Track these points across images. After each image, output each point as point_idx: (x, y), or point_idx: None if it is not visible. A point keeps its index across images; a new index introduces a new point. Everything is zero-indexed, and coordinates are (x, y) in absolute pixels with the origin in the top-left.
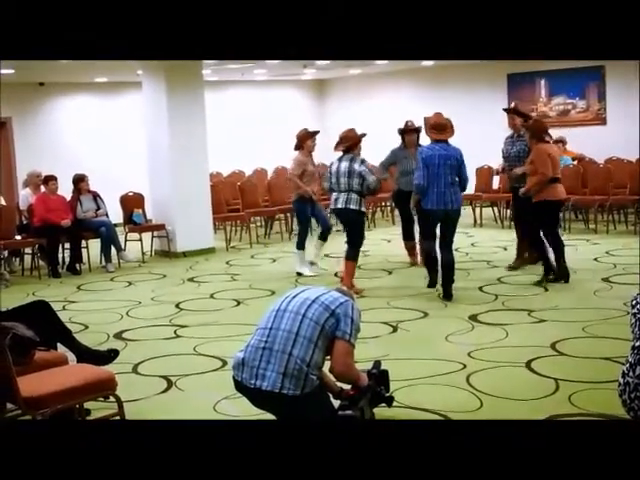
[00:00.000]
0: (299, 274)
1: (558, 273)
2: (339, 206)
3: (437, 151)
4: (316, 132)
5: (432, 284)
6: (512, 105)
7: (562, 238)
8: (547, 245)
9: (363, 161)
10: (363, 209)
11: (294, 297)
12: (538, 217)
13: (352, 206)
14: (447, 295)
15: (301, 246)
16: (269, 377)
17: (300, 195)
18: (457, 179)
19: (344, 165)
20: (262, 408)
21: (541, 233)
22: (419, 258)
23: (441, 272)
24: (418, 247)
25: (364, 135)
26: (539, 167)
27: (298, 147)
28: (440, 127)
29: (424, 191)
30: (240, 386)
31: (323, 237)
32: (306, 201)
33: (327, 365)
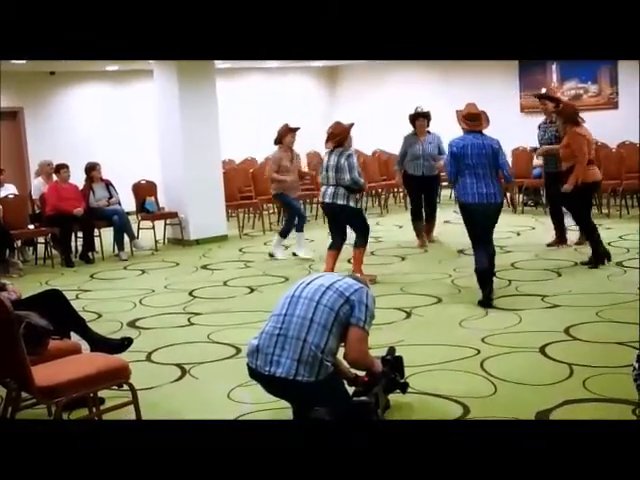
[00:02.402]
0: (271, 255)
1: (596, 256)
2: (327, 200)
3: (469, 141)
4: (297, 128)
5: (486, 302)
6: (542, 91)
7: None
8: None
9: (350, 156)
10: (352, 204)
11: (308, 284)
12: (575, 200)
13: (339, 201)
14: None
15: (285, 234)
16: (284, 364)
17: (281, 189)
18: (494, 170)
19: (333, 159)
20: (276, 395)
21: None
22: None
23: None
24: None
25: (352, 125)
26: (576, 152)
27: (277, 142)
28: (473, 117)
29: (456, 184)
30: (254, 373)
31: (300, 228)
32: (288, 194)
33: (341, 352)
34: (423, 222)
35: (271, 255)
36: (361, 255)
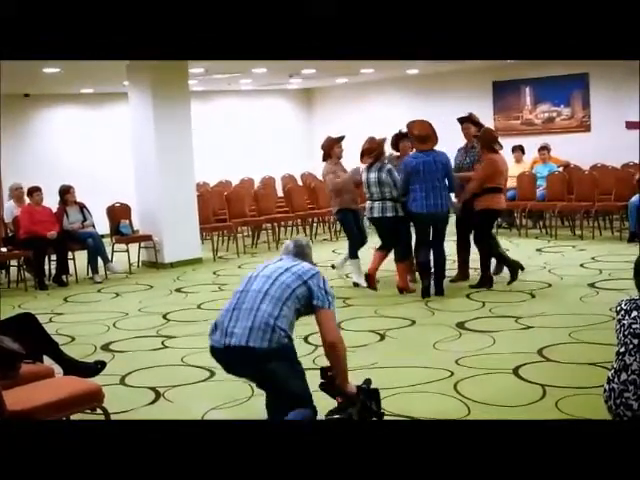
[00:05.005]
0: (356, 285)
1: (483, 279)
2: (375, 215)
3: (421, 158)
4: (341, 137)
5: (426, 293)
6: (467, 114)
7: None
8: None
9: (390, 170)
10: (400, 214)
11: (268, 265)
12: (477, 224)
13: (388, 214)
14: (439, 291)
15: (354, 254)
16: (237, 333)
17: (343, 206)
18: (444, 183)
19: (373, 175)
20: (233, 369)
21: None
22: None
23: (433, 268)
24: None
25: (385, 140)
26: (492, 177)
27: (326, 157)
28: (423, 138)
29: (409, 197)
30: (213, 350)
31: (355, 254)
32: (349, 211)
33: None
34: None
35: (356, 285)
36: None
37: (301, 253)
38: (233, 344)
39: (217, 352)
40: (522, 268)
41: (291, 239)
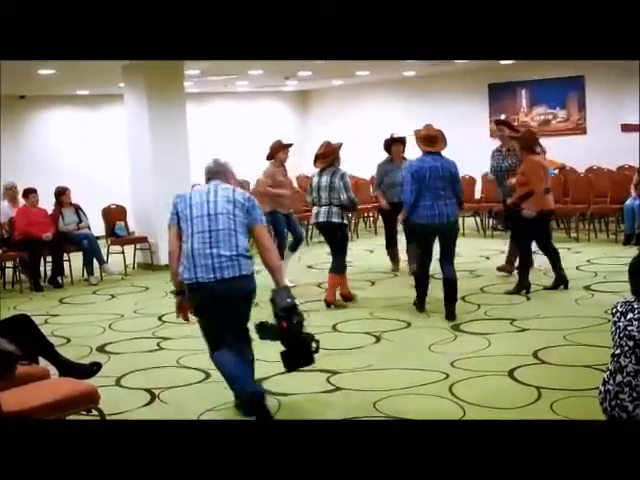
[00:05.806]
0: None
1: (558, 280)
2: (320, 220)
3: (427, 163)
4: (289, 145)
5: (420, 308)
6: (503, 117)
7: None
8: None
9: (344, 175)
10: (345, 221)
11: (215, 201)
12: (533, 229)
13: (334, 219)
14: (450, 315)
15: (282, 256)
16: (226, 267)
17: (273, 207)
18: (451, 192)
19: (325, 179)
20: (219, 298)
21: (534, 244)
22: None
23: (443, 290)
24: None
25: (341, 145)
26: (531, 179)
27: (270, 157)
28: (431, 139)
29: (412, 205)
30: (199, 285)
31: (293, 248)
32: (279, 212)
33: None
34: (397, 248)
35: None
36: (340, 280)
37: (225, 171)
38: (227, 276)
39: (204, 286)
40: (528, 291)
41: (210, 162)
